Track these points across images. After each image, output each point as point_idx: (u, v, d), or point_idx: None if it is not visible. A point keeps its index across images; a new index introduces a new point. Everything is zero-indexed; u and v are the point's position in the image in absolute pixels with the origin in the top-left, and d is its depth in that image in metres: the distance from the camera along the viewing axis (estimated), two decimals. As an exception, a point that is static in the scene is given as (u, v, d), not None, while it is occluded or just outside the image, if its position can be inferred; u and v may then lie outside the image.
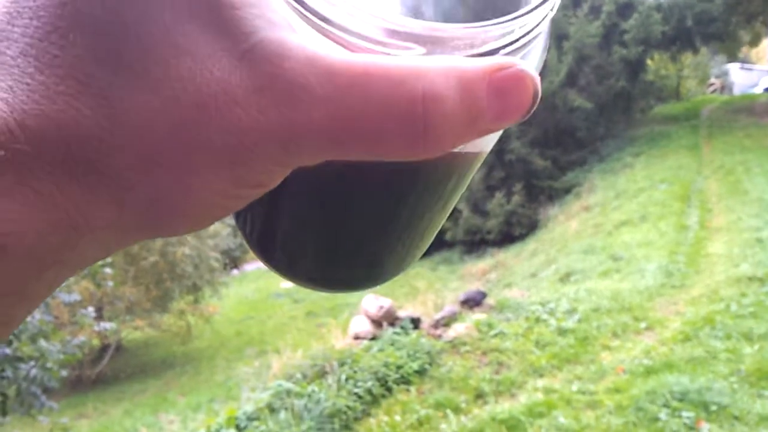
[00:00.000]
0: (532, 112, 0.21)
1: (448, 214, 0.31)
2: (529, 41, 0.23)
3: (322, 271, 0.32)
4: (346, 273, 0.32)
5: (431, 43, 0.20)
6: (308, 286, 0.32)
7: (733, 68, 28.48)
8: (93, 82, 0.18)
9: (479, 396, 4.83)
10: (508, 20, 0.21)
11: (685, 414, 3.94)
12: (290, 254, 0.31)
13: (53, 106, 0.18)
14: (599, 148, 16.39)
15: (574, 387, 4.71)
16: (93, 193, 0.19)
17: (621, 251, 8.89)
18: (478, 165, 0.29)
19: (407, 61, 0.20)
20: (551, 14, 0.23)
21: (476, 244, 15.32)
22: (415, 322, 6.04)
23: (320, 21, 0.20)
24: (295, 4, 0.20)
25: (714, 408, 3.96)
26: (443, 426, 4.39)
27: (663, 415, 3.98)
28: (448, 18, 0.29)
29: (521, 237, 14.36)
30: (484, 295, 6.96)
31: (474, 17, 0.25)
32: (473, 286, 8.36)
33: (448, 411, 4.59)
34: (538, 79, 0.21)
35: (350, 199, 0.27)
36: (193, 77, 0.19)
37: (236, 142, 0.19)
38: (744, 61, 29.10)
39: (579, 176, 15.48)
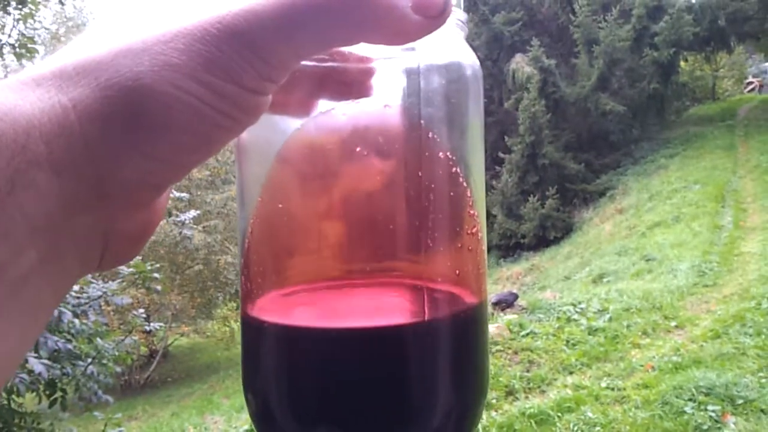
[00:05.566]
0: (445, 12, 0.28)
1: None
2: None
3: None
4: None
5: None
6: None
7: (772, 66, 27.73)
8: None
9: (510, 393, 4.86)
10: None
11: (711, 408, 3.93)
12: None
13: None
14: (633, 151, 16.12)
15: (603, 383, 4.74)
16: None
17: (654, 252, 8.79)
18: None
19: None
20: None
21: (511, 248, 15.17)
22: (448, 323, 6.11)
23: None
24: None
25: (740, 402, 3.95)
26: (474, 421, 4.49)
27: (689, 408, 3.98)
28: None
29: (556, 240, 14.19)
30: (515, 296, 7.04)
31: None
32: (508, 290, 8.42)
33: (480, 407, 4.70)
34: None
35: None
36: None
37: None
38: (783, 58, 28.29)
39: (613, 179, 15.27)
